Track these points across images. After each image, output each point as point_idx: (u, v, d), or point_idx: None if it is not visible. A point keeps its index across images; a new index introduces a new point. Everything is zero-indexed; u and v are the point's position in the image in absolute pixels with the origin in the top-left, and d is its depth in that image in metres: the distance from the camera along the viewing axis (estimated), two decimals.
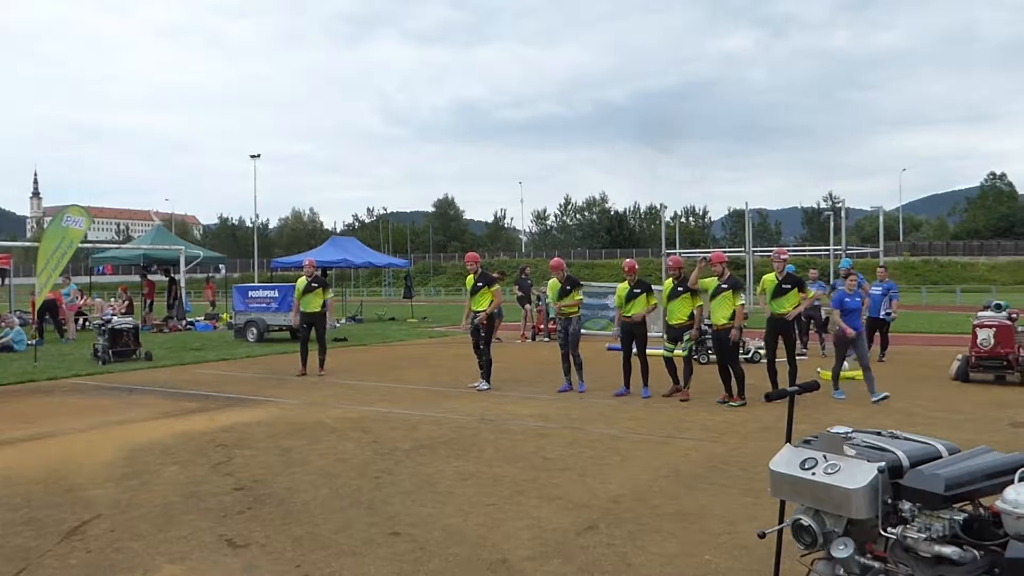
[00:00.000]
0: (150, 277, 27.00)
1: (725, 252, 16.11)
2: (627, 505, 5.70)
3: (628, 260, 11.49)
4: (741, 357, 14.20)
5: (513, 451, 7.47)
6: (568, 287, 11.28)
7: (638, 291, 10.67)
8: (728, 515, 5.42)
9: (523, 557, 4.68)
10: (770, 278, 10.48)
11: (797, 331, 16.24)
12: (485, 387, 11.30)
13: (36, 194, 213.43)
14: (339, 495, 6.02)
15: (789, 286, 10.31)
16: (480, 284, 11.37)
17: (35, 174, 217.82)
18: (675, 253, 27.82)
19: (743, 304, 10.19)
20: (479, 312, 11.29)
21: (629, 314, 10.68)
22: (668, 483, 6.30)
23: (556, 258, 12.25)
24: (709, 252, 11.91)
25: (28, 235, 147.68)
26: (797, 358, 10.75)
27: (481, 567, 4.55)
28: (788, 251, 11.27)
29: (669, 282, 10.73)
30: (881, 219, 33.65)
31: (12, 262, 28.76)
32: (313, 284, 13.26)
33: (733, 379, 10.05)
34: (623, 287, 10.86)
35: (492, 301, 11.33)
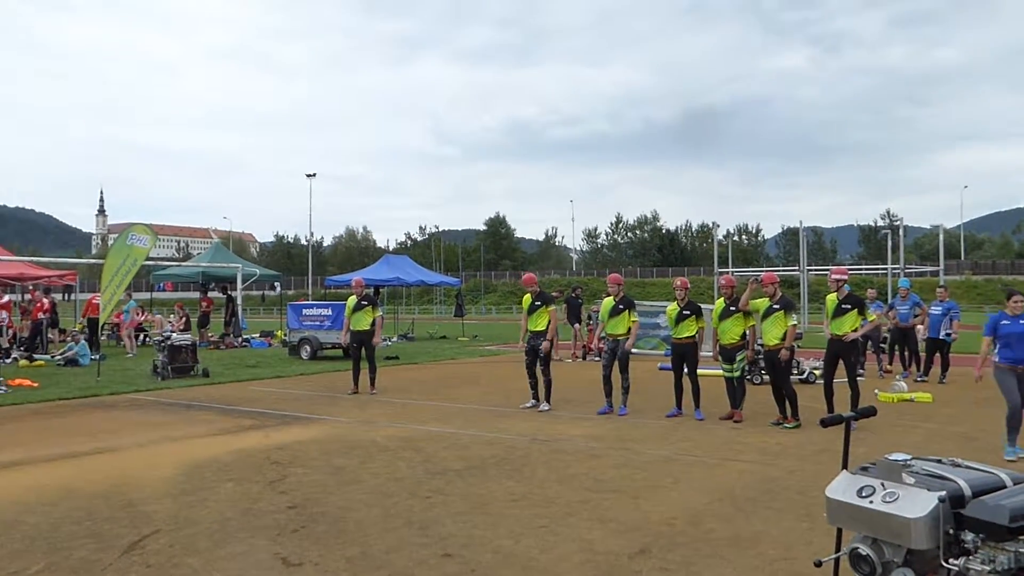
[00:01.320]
0: (209, 294, 27.60)
1: (779, 271, 15.86)
2: (680, 528, 5.64)
3: (680, 278, 11.38)
4: (795, 378, 14.03)
5: (565, 472, 7.45)
6: (621, 307, 11.03)
7: (687, 313, 10.60)
8: (784, 540, 5.33)
9: None
10: (832, 298, 10.11)
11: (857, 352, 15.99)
12: (546, 407, 11.28)
13: (101, 211, 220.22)
14: (391, 515, 6.07)
15: (848, 306, 9.90)
16: (538, 303, 11.33)
17: (100, 192, 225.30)
18: (728, 272, 27.52)
19: (795, 324, 10.02)
20: (538, 332, 11.28)
21: (679, 336, 10.63)
22: (722, 506, 6.22)
23: (614, 273, 12.13)
24: (761, 272, 11.76)
25: (93, 252, 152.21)
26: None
27: None
28: (847, 270, 10.79)
29: (721, 302, 10.63)
30: (941, 237, 32.91)
31: (78, 278, 29.71)
32: (363, 302, 13.40)
33: (786, 400, 9.90)
34: (673, 308, 10.80)
35: (550, 321, 11.32)
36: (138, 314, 26.97)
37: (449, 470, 7.55)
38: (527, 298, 11.50)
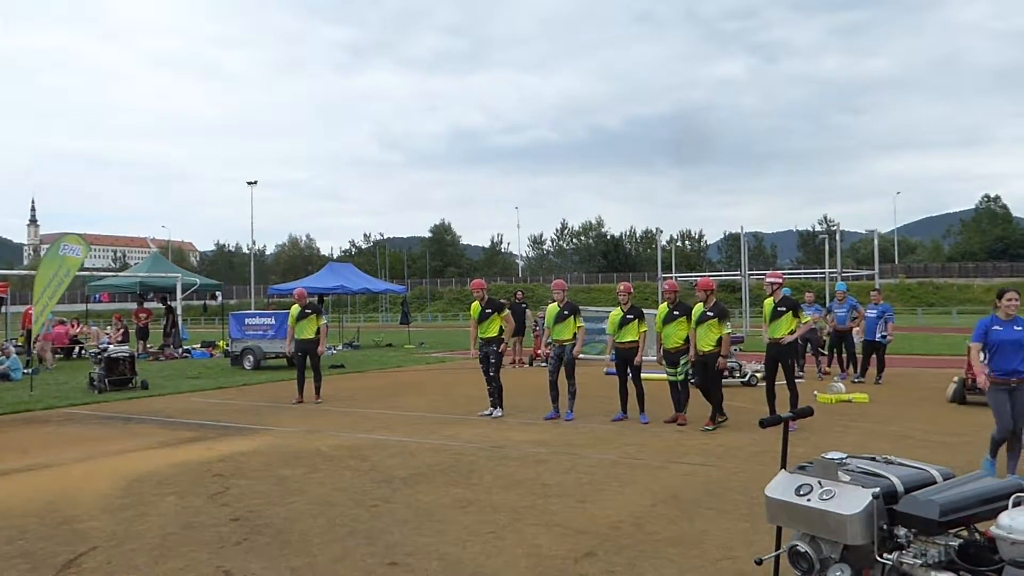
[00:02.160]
0: (145, 305, 26.95)
1: (721, 276, 16.09)
2: (626, 531, 5.70)
3: (623, 283, 11.46)
4: (737, 381, 14.27)
5: (511, 478, 7.46)
6: (567, 313, 11.10)
7: (631, 317, 10.71)
8: (726, 541, 5.41)
9: None
10: (768, 302, 10.36)
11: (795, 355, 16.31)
12: (499, 414, 11.25)
13: (33, 221, 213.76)
14: (336, 525, 6.01)
15: (784, 309, 10.15)
16: (489, 311, 11.27)
17: (32, 201, 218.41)
18: (671, 277, 27.88)
19: (730, 332, 10.19)
20: (489, 339, 11.22)
21: (622, 340, 10.72)
22: (667, 508, 6.29)
23: (558, 279, 12.16)
24: (699, 276, 11.94)
25: (25, 262, 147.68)
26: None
27: None
28: (782, 274, 11.03)
29: (664, 306, 10.75)
30: (876, 242, 33.79)
31: (9, 290, 28.80)
32: (307, 311, 13.25)
33: (712, 402, 10.09)
34: (616, 313, 10.90)
35: (503, 327, 11.30)
36: (74, 326, 26.29)
37: (395, 478, 7.50)
38: (476, 306, 11.44)
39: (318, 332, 13.19)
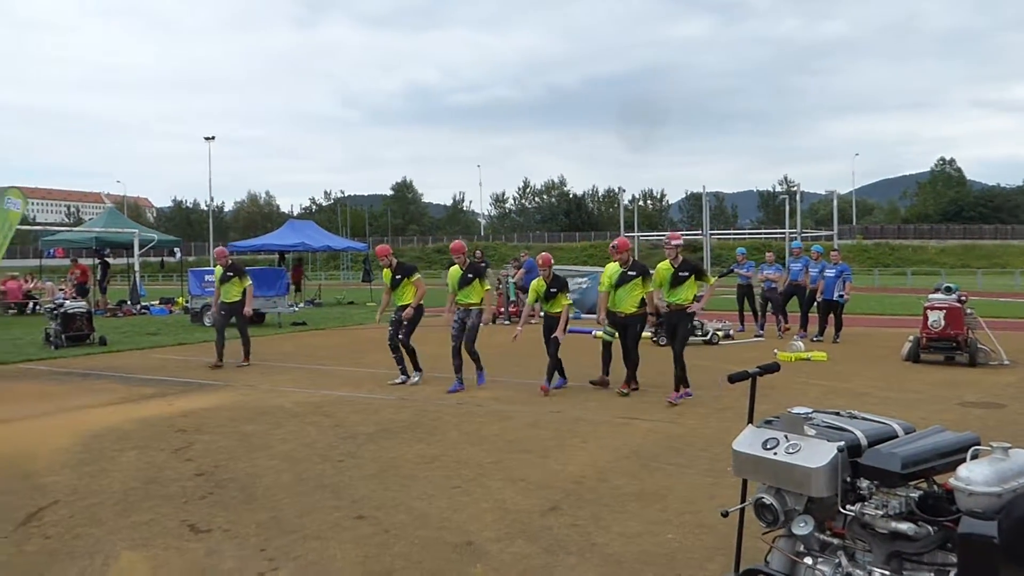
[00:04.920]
0: (80, 261, 26.36)
1: (683, 235, 15.98)
2: (589, 486, 5.77)
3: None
4: (699, 339, 14.43)
5: (476, 434, 7.50)
6: (470, 276, 10.31)
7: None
8: (689, 495, 5.51)
9: (488, 538, 4.72)
10: (664, 266, 9.37)
11: (755, 311, 16.49)
12: (416, 378, 10.71)
13: None
14: (302, 479, 6.00)
15: (686, 274, 9.25)
16: (399, 276, 10.69)
17: None
18: (629, 237, 27.94)
19: (652, 291, 9.54)
20: (406, 306, 10.57)
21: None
22: (629, 464, 6.38)
23: (456, 241, 11.17)
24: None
25: None
26: (754, 339, 10.66)
27: (446, 549, 4.58)
28: (681, 235, 10.19)
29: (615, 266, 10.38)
30: (835, 203, 34.23)
31: None
32: (229, 273, 12.73)
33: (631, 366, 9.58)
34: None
35: (416, 292, 10.65)
36: (27, 281, 25.77)
37: (360, 434, 7.51)
38: (387, 272, 10.76)
39: (243, 294, 12.77)
